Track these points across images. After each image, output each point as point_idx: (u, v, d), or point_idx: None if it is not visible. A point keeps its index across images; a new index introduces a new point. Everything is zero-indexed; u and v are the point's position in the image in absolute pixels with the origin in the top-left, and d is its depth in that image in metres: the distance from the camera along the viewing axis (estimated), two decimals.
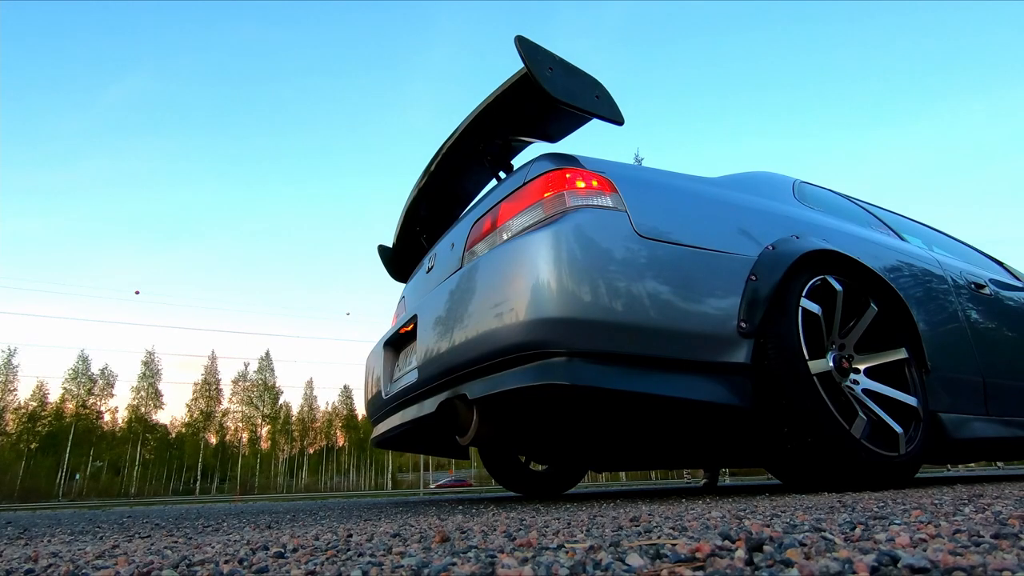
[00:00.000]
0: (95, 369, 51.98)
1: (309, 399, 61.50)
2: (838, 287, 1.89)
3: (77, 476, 46.10)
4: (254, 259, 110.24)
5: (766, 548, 0.66)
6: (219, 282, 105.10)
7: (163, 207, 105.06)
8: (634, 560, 0.63)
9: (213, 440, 56.06)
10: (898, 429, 1.81)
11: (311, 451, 62.38)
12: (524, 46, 1.77)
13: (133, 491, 48.22)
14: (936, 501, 1.24)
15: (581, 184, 1.74)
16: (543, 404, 1.70)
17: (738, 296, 1.71)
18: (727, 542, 0.71)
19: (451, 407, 1.83)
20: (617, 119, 1.94)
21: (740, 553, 0.63)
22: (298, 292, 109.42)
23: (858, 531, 0.78)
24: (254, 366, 58.27)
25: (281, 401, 59.81)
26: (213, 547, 1.02)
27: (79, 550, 1.14)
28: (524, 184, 1.90)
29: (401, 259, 3.03)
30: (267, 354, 58.80)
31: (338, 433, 63.24)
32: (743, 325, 1.68)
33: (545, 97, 1.79)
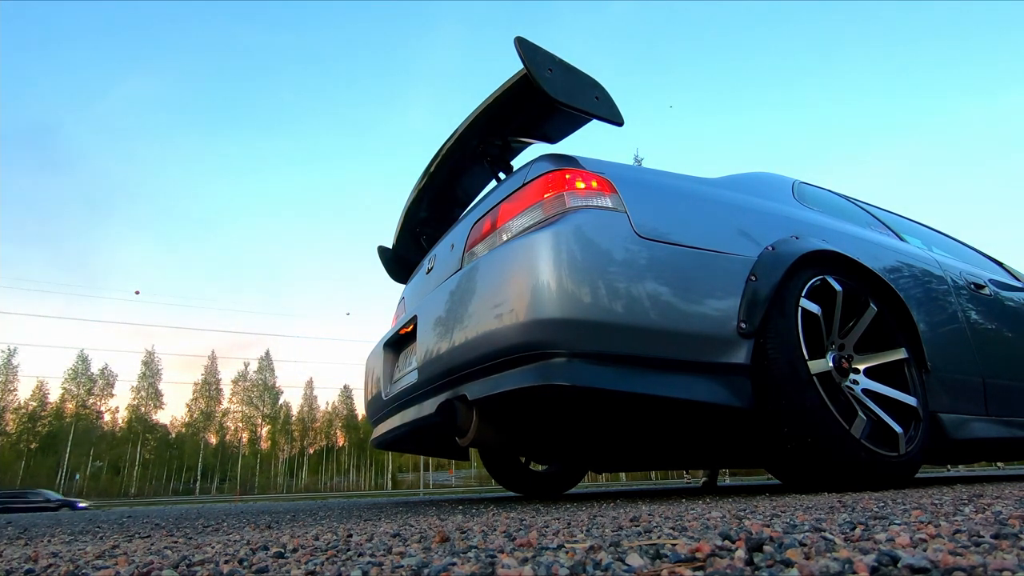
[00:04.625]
0: (95, 369, 52.05)
1: (309, 399, 61.54)
2: (838, 287, 1.89)
3: (77, 476, 46.06)
4: (254, 259, 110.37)
5: (766, 548, 0.66)
6: (219, 282, 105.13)
7: (164, 207, 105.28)
8: (634, 560, 0.63)
9: (213, 440, 56.07)
10: (898, 429, 1.80)
11: (311, 451, 62.38)
12: (524, 47, 1.77)
13: (133, 491, 48.21)
14: (936, 501, 1.24)
15: (581, 185, 1.74)
16: (543, 405, 1.70)
17: (738, 297, 1.72)
18: (727, 542, 0.71)
19: (451, 408, 1.83)
20: (617, 120, 1.94)
21: (740, 553, 0.63)
22: (298, 292, 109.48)
23: (858, 531, 0.78)
24: (254, 366, 58.36)
25: (281, 401, 59.87)
26: (213, 547, 1.02)
27: (79, 550, 1.14)
28: (524, 185, 1.90)
29: (401, 260, 3.03)
30: (267, 354, 58.89)
31: (338, 433, 63.24)
32: (743, 326, 1.68)
33: (545, 98, 1.79)
